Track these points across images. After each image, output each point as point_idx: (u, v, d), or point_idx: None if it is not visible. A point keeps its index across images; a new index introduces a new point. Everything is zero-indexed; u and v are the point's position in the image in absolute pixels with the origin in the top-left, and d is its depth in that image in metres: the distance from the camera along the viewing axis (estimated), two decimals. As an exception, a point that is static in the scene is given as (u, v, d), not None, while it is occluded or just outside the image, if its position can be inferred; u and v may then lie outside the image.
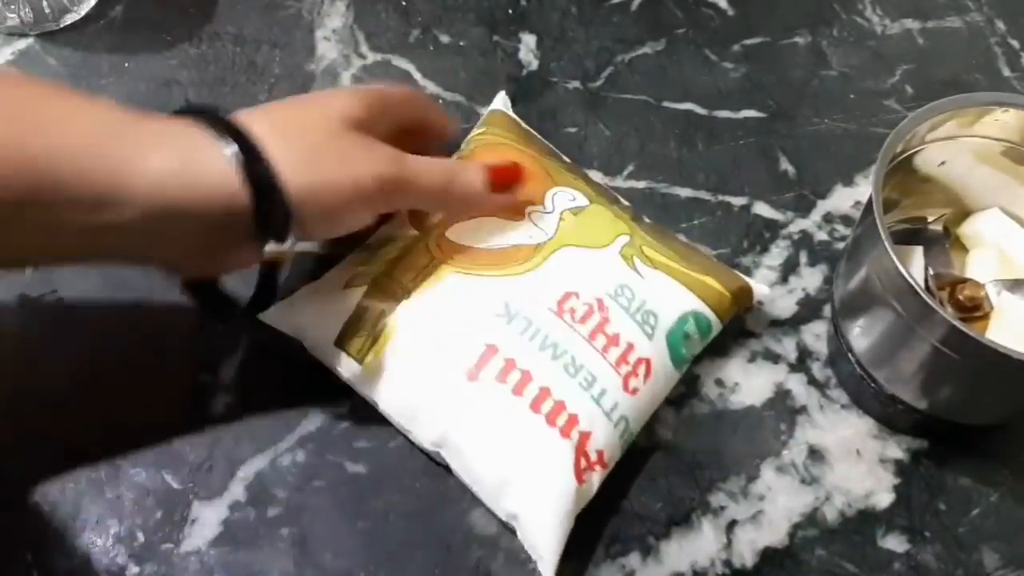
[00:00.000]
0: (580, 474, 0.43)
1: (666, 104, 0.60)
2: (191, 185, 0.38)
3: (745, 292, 0.51)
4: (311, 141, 0.41)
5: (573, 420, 0.44)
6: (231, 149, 0.39)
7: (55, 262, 0.43)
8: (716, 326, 0.49)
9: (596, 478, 0.44)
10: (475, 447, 0.44)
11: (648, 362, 0.46)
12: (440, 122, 0.51)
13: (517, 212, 0.48)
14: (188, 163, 0.38)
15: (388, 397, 0.45)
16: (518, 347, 0.44)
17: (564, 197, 0.50)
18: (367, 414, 0.47)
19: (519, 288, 0.46)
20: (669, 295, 0.48)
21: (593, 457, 0.44)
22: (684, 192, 0.57)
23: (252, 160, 0.39)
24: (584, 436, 0.44)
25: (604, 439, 0.44)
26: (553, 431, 0.43)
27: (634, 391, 0.45)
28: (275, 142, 0.39)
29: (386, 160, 0.43)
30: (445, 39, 0.62)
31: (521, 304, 0.45)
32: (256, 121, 0.40)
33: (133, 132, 0.38)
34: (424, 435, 0.45)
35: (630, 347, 0.46)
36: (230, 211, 0.39)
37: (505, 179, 0.48)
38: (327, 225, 0.43)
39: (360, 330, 0.45)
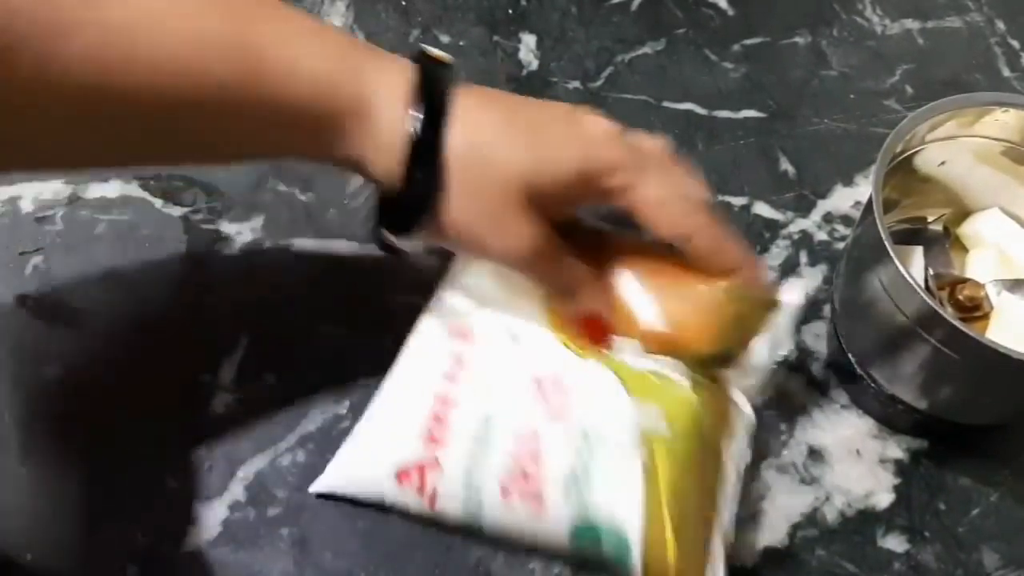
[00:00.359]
0: (402, 475, 0.43)
1: (666, 104, 0.60)
2: (367, 155, 0.39)
3: None
4: (484, 187, 0.40)
5: (440, 442, 0.42)
6: (404, 152, 0.38)
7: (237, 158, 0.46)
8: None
9: (416, 499, 0.43)
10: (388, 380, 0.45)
11: (542, 502, 0.42)
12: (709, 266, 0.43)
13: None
14: (377, 142, 0.39)
15: None
16: (480, 362, 0.43)
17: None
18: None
19: (546, 344, 0.44)
20: (620, 499, 0.41)
21: (428, 488, 0.43)
22: (684, 192, 0.57)
23: (426, 165, 0.39)
24: (431, 464, 0.42)
25: (448, 491, 0.42)
26: (425, 428, 0.43)
27: (509, 505, 0.42)
28: (460, 157, 0.39)
29: (530, 251, 0.41)
30: (445, 39, 0.62)
31: (528, 347, 0.44)
32: (468, 117, 0.39)
33: (358, 79, 0.39)
34: None
35: (531, 477, 0.42)
36: (389, 187, 0.40)
37: (593, 332, 0.44)
38: (439, 244, 0.43)
39: None
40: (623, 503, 0.41)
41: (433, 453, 0.42)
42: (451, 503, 0.43)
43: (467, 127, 0.39)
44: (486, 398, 0.43)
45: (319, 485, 0.45)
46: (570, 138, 0.41)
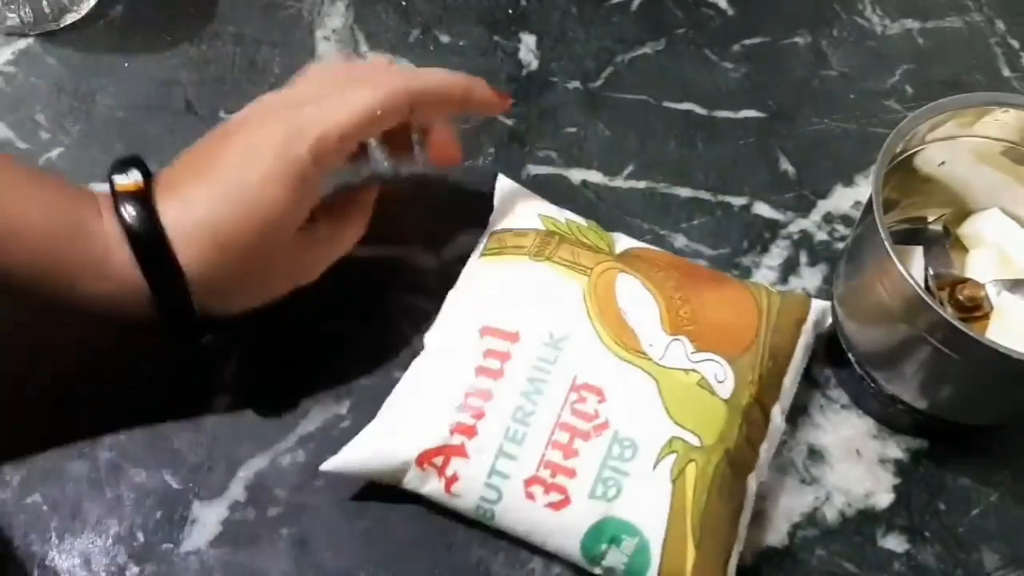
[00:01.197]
0: (424, 458, 0.43)
1: (666, 104, 0.60)
2: (116, 304, 0.42)
3: None
4: (234, 254, 0.42)
5: (470, 433, 0.43)
6: (138, 277, 0.41)
7: None
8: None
9: (435, 481, 0.43)
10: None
11: (567, 501, 0.42)
12: (477, 103, 0.50)
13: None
14: (114, 287, 0.41)
15: None
16: (522, 360, 0.44)
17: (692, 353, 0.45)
18: (367, 413, 0.47)
19: (587, 346, 0.44)
20: (646, 509, 0.42)
21: (448, 472, 0.43)
22: (684, 192, 0.57)
23: (160, 278, 0.41)
24: (457, 451, 0.43)
25: (468, 477, 0.43)
26: (453, 419, 0.43)
27: (530, 500, 0.42)
28: (196, 243, 0.41)
29: (308, 269, 0.46)
30: (445, 39, 0.62)
31: (569, 348, 0.44)
32: (184, 215, 0.41)
33: (72, 246, 0.40)
34: None
35: (560, 476, 0.42)
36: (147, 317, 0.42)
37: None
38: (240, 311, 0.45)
39: None
40: (648, 511, 0.42)
41: (461, 442, 0.43)
42: (468, 490, 0.43)
43: (181, 207, 0.41)
44: (524, 396, 0.43)
45: (332, 464, 0.44)
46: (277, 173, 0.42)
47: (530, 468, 0.42)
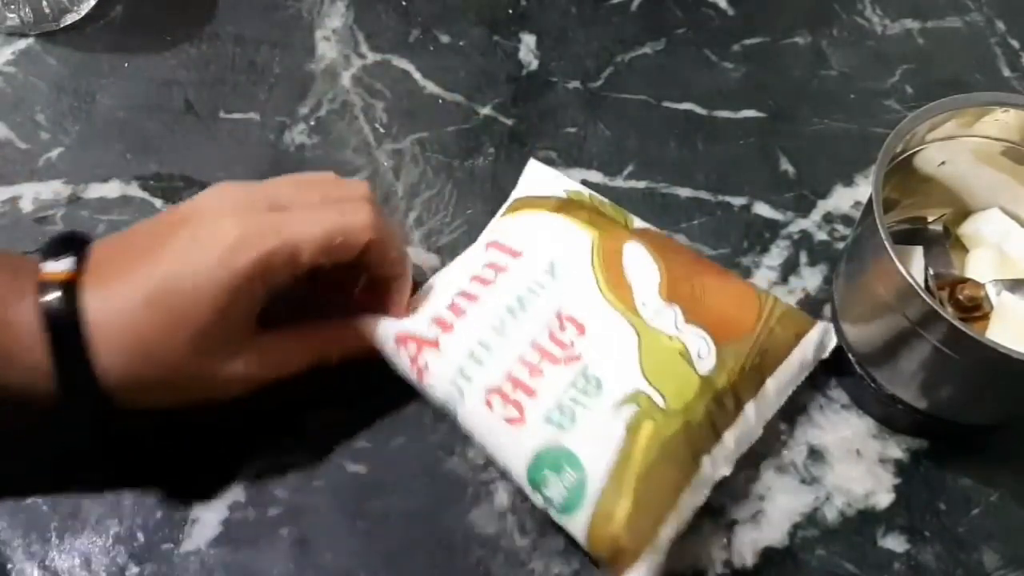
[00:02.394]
0: (400, 339, 0.45)
1: (666, 104, 0.60)
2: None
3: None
4: (154, 358, 0.39)
5: (448, 328, 0.45)
6: (52, 364, 0.38)
7: None
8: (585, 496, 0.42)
9: (408, 367, 0.45)
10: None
11: (521, 419, 0.43)
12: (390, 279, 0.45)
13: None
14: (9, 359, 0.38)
15: None
16: (515, 278, 0.46)
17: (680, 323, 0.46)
18: (367, 414, 0.47)
19: (582, 285, 0.46)
20: (594, 447, 0.42)
21: (420, 361, 0.45)
22: (684, 192, 0.57)
23: (75, 375, 0.38)
24: (431, 343, 0.45)
25: (437, 372, 0.44)
26: (436, 311, 0.45)
27: (488, 410, 0.43)
28: (117, 346, 0.38)
29: (240, 380, 0.42)
30: (445, 39, 0.62)
31: (563, 281, 0.46)
32: (109, 314, 0.38)
33: None
34: None
35: (521, 392, 0.43)
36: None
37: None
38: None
39: None
40: (596, 450, 0.42)
41: (436, 335, 0.45)
42: (437, 384, 0.45)
43: (111, 308, 0.38)
44: (507, 309, 0.45)
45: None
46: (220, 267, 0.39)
47: (495, 378, 0.43)
